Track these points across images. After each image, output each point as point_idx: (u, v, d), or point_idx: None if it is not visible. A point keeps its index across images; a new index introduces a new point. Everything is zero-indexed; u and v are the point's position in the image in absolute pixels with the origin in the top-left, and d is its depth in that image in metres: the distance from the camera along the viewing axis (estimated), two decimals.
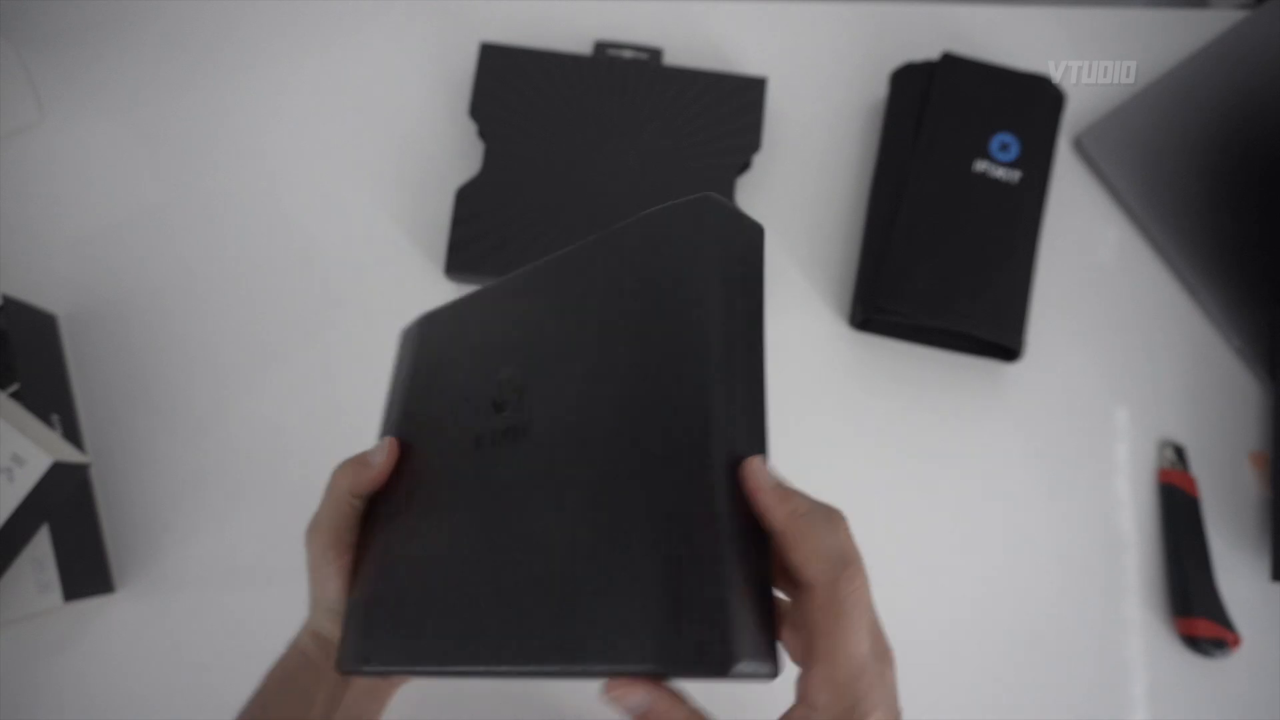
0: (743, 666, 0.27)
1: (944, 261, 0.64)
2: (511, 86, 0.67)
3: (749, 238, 0.34)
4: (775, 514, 0.29)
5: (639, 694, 0.28)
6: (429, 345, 0.44)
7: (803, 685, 0.29)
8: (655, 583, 0.28)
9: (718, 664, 0.27)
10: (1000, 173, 0.65)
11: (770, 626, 0.28)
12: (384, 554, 0.39)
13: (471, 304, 0.42)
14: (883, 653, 0.29)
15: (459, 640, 0.34)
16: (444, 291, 0.68)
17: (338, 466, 0.41)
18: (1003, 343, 0.64)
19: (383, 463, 0.40)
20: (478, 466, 0.37)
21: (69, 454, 0.56)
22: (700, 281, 0.32)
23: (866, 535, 0.67)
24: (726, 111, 0.67)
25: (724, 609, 0.27)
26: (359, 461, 0.40)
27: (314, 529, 0.41)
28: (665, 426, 0.30)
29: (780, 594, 0.31)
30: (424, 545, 0.38)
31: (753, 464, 0.29)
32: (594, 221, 0.65)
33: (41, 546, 0.57)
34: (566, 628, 0.30)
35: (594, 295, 0.35)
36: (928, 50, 0.70)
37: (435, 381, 0.42)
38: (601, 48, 0.70)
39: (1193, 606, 0.62)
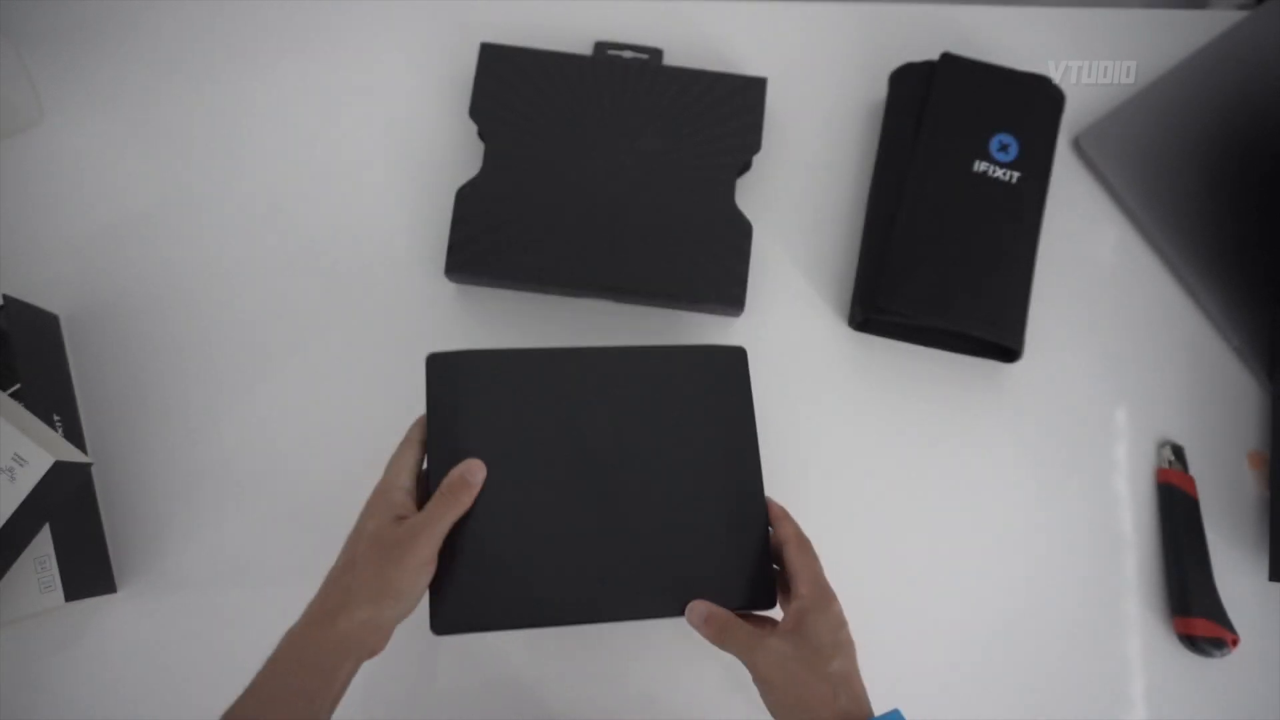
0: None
1: (943, 262, 0.64)
2: (511, 86, 0.67)
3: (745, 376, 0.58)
4: (775, 510, 0.56)
5: (704, 607, 0.52)
6: (485, 384, 0.56)
7: (790, 591, 0.52)
8: (730, 552, 0.54)
9: (768, 604, 0.54)
10: (1000, 173, 0.65)
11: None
12: (481, 545, 0.53)
13: (530, 360, 0.56)
14: None
15: (567, 601, 0.53)
16: (444, 291, 0.68)
17: (453, 489, 0.52)
18: (1002, 343, 0.64)
19: (481, 481, 0.53)
20: (575, 488, 0.54)
21: (70, 454, 0.56)
22: (745, 400, 0.57)
23: (866, 535, 0.67)
24: (726, 111, 0.67)
25: (771, 577, 0.54)
26: (471, 485, 0.52)
27: (426, 541, 0.49)
28: (736, 478, 0.56)
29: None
30: (529, 538, 0.53)
31: (770, 502, 0.56)
32: (594, 222, 0.65)
33: (43, 546, 0.57)
34: (668, 588, 0.53)
35: (666, 387, 0.57)
36: (928, 50, 0.70)
37: (505, 422, 0.55)
38: (601, 48, 0.70)
39: (1191, 606, 0.62)
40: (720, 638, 0.51)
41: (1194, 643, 0.62)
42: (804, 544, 0.53)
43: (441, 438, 0.55)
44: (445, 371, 0.56)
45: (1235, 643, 0.61)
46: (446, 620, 0.52)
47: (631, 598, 0.53)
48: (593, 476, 0.54)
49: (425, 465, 0.55)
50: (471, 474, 0.52)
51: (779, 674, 0.48)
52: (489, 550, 0.53)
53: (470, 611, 0.52)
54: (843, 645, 0.50)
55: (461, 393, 0.55)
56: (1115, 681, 0.63)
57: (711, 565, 0.54)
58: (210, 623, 0.63)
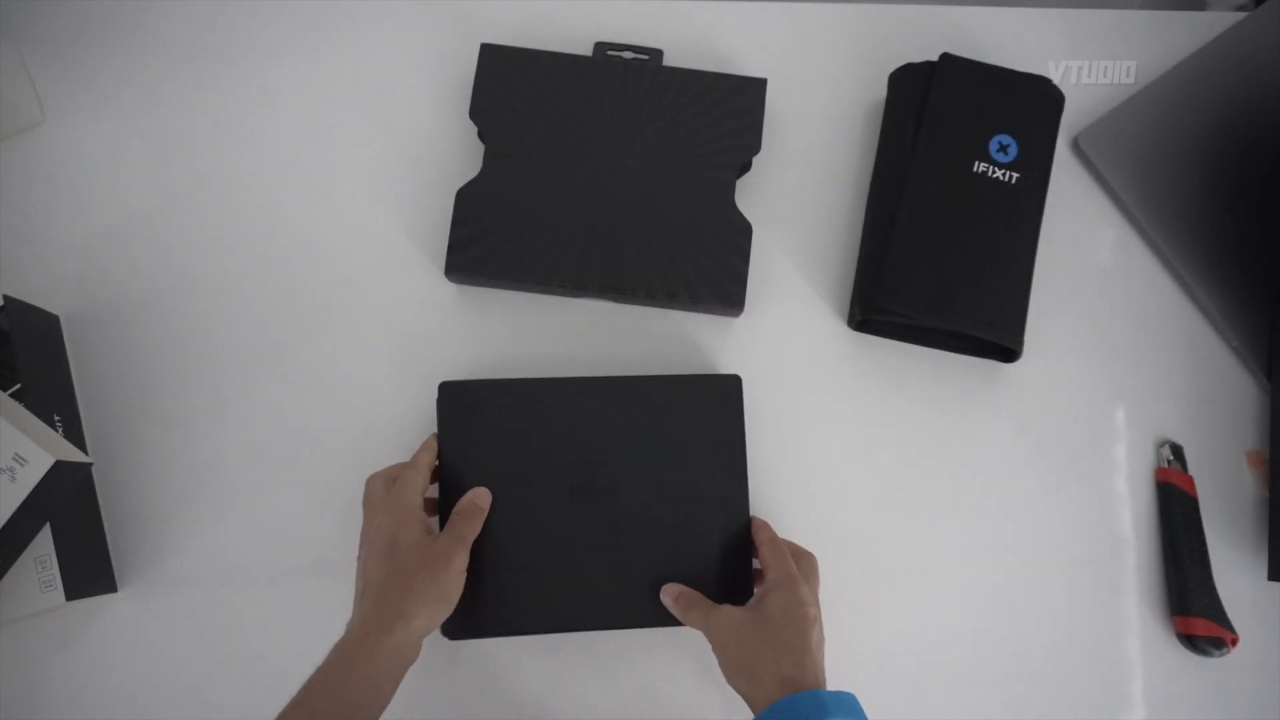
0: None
1: (943, 262, 0.64)
2: (511, 87, 0.67)
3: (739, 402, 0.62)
4: (756, 523, 0.60)
5: (675, 587, 0.58)
6: (494, 411, 0.60)
7: (761, 574, 0.58)
8: (715, 567, 0.59)
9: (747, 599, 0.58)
10: (999, 173, 0.65)
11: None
12: (490, 560, 0.58)
13: (536, 389, 0.61)
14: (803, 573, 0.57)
15: (567, 610, 0.58)
16: (444, 292, 0.68)
17: (469, 513, 0.57)
18: (1002, 343, 0.64)
19: (489, 505, 0.58)
20: (576, 507, 0.59)
21: (71, 454, 0.56)
22: (737, 426, 0.61)
23: (865, 535, 0.67)
24: (726, 112, 0.67)
25: (750, 583, 0.59)
26: (482, 509, 0.58)
27: (463, 553, 0.55)
28: (722, 500, 0.60)
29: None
30: (533, 553, 0.59)
31: (755, 517, 0.61)
32: (594, 222, 0.65)
33: (44, 546, 0.57)
34: (659, 601, 0.58)
35: (663, 415, 0.61)
36: (928, 50, 0.70)
37: (511, 446, 0.60)
38: (601, 48, 0.70)
39: (1190, 606, 0.62)
40: (686, 614, 0.56)
41: (1193, 642, 0.62)
42: (776, 543, 0.58)
43: (453, 461, 0.59)
44: (456, 399, 0.60)
45: (1235, 642, 0.61)
46: (457, 627, 0.57)
47: (625, 609, 0.59)
48: (593, 497, 0.59)
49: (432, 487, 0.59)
50: (481, 499, 0.58)
51: (729, 638, 0.53)
52: (496, 564, 0.58)
53: (479, 619, 0.58)
54: (799, 621, 0.52)
55: (471, 419, 0.60)
56: (1115, 681, 0.63)
57: (698, 579, 0.58)
58: (210, 623, 0.63)
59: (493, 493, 0.59)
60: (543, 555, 0.59)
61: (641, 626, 0.59)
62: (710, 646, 0.54)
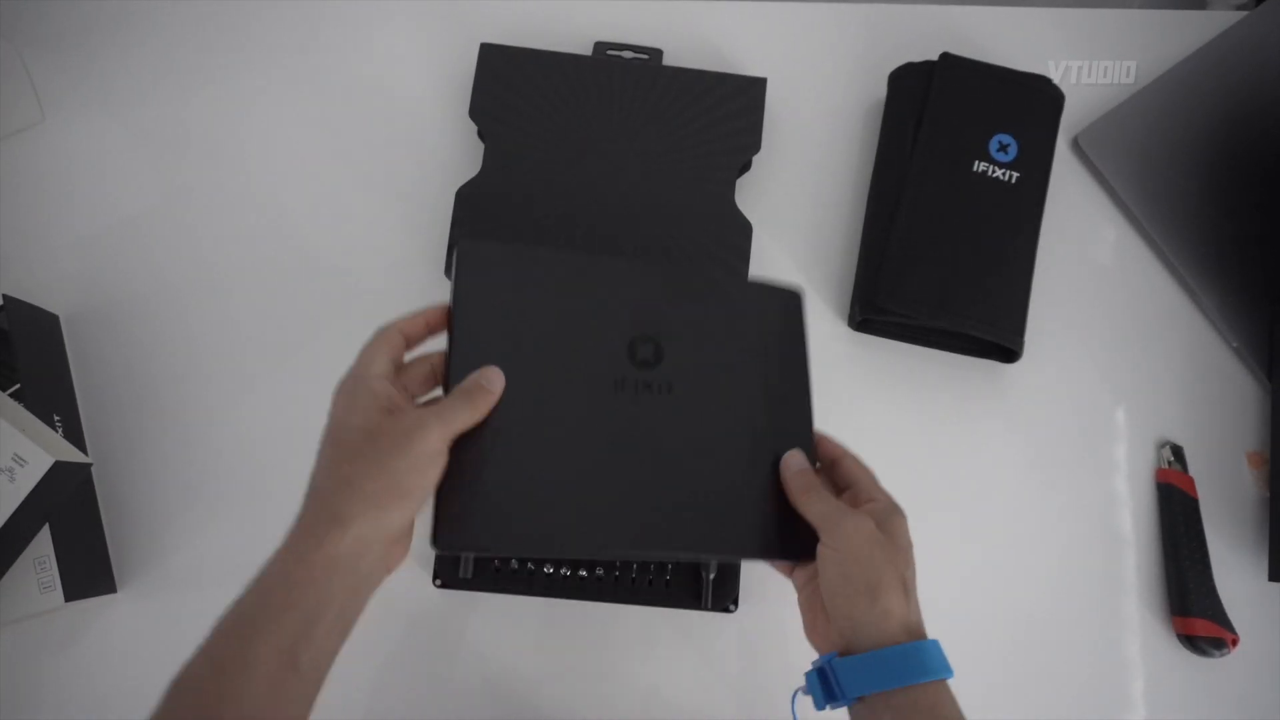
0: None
1: (943, 262, 0.64)
2: (511, 86, 0.67)
3: (801, 317, 0.57)
4: (831, 446, 0.53)
5: (801, 459, 0.50)
6: (521, 285, 0.50)
7: (866, 497, 0.49)
8: (772, 505, 0.50)
9: (809, 556, 0.48)
10: (999, 173, 0.65)
11: None
12: (497, 460, 0.45)
13: (572, 266, 0.52)
14: None
15: (594, 529, 0.46)
16: (444, 292, 0.67)
17: (470, 394, 0.44)
18: (1002, 343, 0.64)
19: (501, 390, 0.45)
20: (619, 404, 0.49)
21: (70, 454, 0.56)
22: (799, 342, 0.55)
23: None
24: (726, 112, 0.67)
25: (814, 532, 0.49)
26: (490, 393, 0.44)
27: (438, 432, 0.42)
28: (782, 420, 0.52)
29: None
30: (557, 455, 0.47)
31: (820, 434, 0.54)
32: (594, 223, 0.65)
33: (43, 546, 0.57)
34: (698, 529, 0.48)
35: (722, 315, 0.53)
36: (927, 50, 0.70)
37: (542, 328, 0.49)
38: (601, 48, 0.70)
39: (1191, 606, 0.62)
40: (804, 496, 0.48)
41: (1194, 643, 0.62)
42: (860, 460, 0.52)
43: (468, 342, 0.48)
44: (477, 265, 0.50)
45: (1235, 643, 0.61)
46: (450, 535, 0.44)
47: (656, 535, 0.47)
48: (629, 402, 0.49)
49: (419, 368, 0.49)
50: (491, 381, 0.45)
51: (864, 550, 0.45)
52: (505, 467, 0.46)
53: (477, 530, 0.45)
54: (912, 560, 0.47)
55: (493, 291, 0.49)
56: (1114, 681, 0.63)
57: (748, 509, 0.49)
58: (210, 623, 0.62)
59: (516, 383, 0.46)
60: (571, 460, 0.47)
61: (677, 554, 0.50)
62: (821, 548, 0.47)
